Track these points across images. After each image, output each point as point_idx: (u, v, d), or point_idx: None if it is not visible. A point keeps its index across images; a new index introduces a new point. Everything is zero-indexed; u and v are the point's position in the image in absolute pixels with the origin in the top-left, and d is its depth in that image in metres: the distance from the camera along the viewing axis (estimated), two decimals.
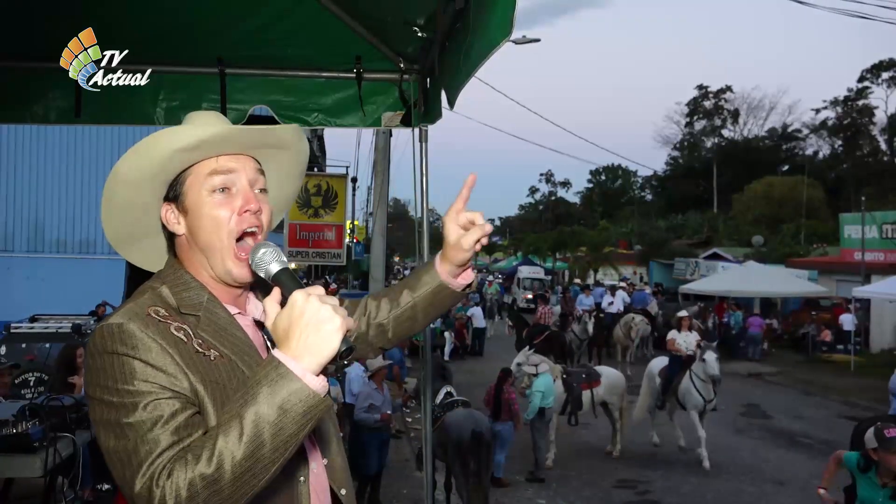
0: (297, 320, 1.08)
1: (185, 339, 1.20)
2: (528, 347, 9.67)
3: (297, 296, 1.10)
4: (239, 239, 1.31)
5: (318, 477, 1.34)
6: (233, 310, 1.35)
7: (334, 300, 1.13)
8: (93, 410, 1.16)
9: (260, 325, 1.38)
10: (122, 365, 1.12)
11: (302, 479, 1.29)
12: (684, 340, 9.45)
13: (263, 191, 1.36)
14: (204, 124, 1.31)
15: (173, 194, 1.32)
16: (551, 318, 16.92)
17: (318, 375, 1.08)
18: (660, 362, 9.74)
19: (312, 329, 1.07)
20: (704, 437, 8.66)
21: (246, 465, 1.03)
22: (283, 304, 1.13)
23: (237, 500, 1.05)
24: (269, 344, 1.36)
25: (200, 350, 1.21)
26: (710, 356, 8.57)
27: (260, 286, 1.41)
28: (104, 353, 1.14)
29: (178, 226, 1.33)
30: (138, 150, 1.29)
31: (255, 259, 1.26)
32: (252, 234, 1.31)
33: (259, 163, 1.38)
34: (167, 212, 1.34)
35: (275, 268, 1.23)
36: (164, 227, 1.37)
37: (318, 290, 1.12)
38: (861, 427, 6.23)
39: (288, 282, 1.19)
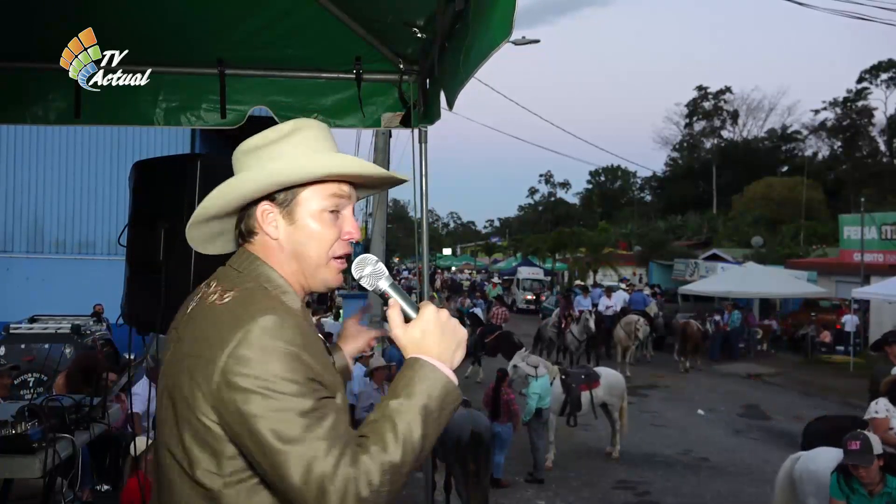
0: (434, 330, 1.23)
1: None
2: (524, 349, 9.65)
3: (430, 309, 1.26)
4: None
5: None
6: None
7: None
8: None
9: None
10: None
11: None
12: None
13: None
14: (346, 157, 1.34)
15: (282, 199, 1.30)
16: (502, 319, 17.30)
17: None
18: (826, 458, 4.49)
19: (450, 337, 1.24)
20: None
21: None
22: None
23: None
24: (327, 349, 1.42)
25: None
26: None
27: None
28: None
29: (274, 229, 1.30)
30: (307, 164, 1.28)
31: (363, 273, 1.33)
32: (344, 258, 1.34)
33: None
34: (264, 212, 1.30)
35: (385, 283, 1.34)
36: (240, 220, 1.35)
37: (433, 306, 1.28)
38: (811, 427, 6.14)
39: (402, 297, 1.31)
